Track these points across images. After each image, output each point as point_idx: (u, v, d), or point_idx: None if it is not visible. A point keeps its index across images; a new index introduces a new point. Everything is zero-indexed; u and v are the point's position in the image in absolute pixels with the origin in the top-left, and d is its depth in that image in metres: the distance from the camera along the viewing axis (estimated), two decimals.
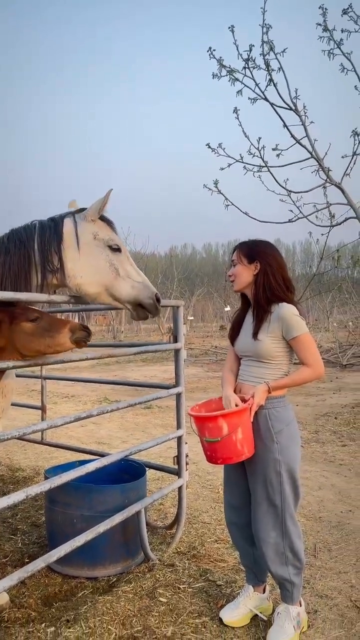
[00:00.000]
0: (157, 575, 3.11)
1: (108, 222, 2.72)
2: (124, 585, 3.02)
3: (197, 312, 39.13)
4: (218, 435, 2.45)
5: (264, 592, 2.84)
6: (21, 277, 2.55)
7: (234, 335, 2.83)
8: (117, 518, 2.95)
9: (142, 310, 2.68)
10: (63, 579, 3.22)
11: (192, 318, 32.73)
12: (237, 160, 6.99)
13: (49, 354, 2.41)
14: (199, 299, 37.07)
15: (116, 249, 2.64)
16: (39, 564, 2.44)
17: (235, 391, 2.73)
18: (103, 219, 2.71)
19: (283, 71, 6.74)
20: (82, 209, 2.74)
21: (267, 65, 6.73)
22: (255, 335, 2.61)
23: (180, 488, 3.60)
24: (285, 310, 2.56)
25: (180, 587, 3.01)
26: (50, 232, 2.59)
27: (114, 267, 2.61)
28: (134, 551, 3.35)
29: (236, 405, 2.57)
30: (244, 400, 2.58)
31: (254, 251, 2.69)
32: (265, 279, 2.62)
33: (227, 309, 25.42)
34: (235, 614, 2.71)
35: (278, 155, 6.99)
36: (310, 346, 2.55)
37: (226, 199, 6.99)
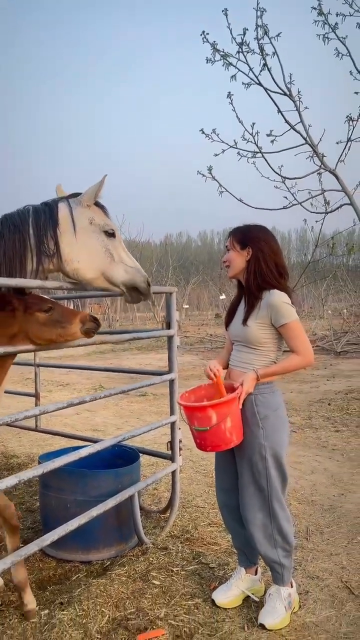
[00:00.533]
0: (151, 559, 3.14)
1: (102, 208, 2.71)
2: (117, 568, 3.04)
3: (193, 301, 39.09)
4: (207, 424, 2.46)
5: (255, 573, 2.88)
6: (16, 262, 2.54)
7: (228, 320, 2.84)
8: (111, 502, 2.97)
9: (137, 293, 2.69)
10: (57, 563, 3.25)
11: (187, 306, 32.71)
12: (231, 146, 6.94)
13: (59, 343, 2.51)
14: (194, 287, 37.00)
15: (111, 234, 2.64)
16: (32, 547, 2.46)
17: (226, 377, 2.75)
18: (97, 204, 2.70)
19: (277, 56, 6.67)
20: (75, 194, 2.72)
21: (262, 49, 6.67)
22: (244, 321, 2.61)
23: (173, 472, 3.63)
24: (275, 297, 2.55)
25: (174, 569, 3.04)
26: (45, 216, 2.58)
27: (109, 252, 2.61)
28: (128, 535, 3.38)
29: (215, 375, 2.63)
30: (233, 389, 2.59)
31: (247, 237, 2.68)
32: (257, 265, 2.62)
33: (223, 297, 25.36)
34: (227, 595, 2.75)
35: (272, 141, 6.95)
36: (300, 334, 2.54)
37: (220, 185, 6.95)
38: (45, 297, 2.53)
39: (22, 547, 2.47)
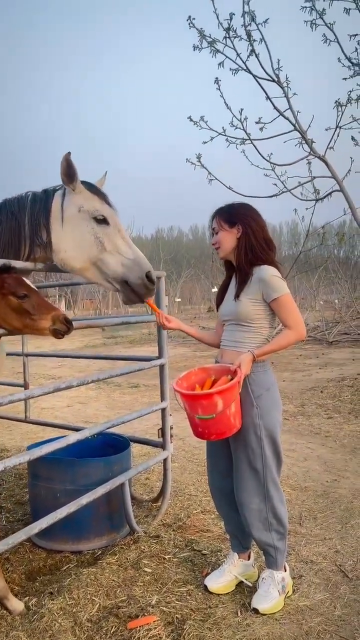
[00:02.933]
0: (142, 547, 3.09)
1: (97, 193, 2.57)
2: (108, 557, 2.99)
3: (185, 295, 39.00)
4: (212, 412, 2.38)
5: (249, 558, 2.84)
6: (11, 249, 2.48)
7: (219, 301, 2.80)
8: (101, 490, 2.92)
9: (131, 291, 2.51)
10: (47, 554, 3.20)
11: (179, 300, 32.64)
12: (219, 133, 6.87)
13: (25, 333, 2.43)
14: (186, 280, 36.94)
15: (102, 221, 2.49)
16: (19, 536, 2.41)
17: (218, 358, 2.73)
18: (92, 190, 2.56)
19: (265, 42, 6.61)
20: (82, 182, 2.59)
21: (249, 35, 6.59)
22: (236, 296, 2.57)
23: (165, 460, 3.58)
24: (265, 272, 2.52)
25: (166, 557, 2.99)
26: (40, 204, 2.51)
27: (99, 241, 2.46)
28: (119, 524, 3.33)
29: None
30: (227, 371, 2.54)
31: (233, 215, 2.64)
32: (247, 241, 2.59)
33: (214, 290, 25.36)
34: (220, 581, 2.71)
35: (261, 129, 6.89)
36: (291, 307, 2.50)
37: (209, 173, 6.89)
38: (27, 282, 2.42)
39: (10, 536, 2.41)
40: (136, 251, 2.53)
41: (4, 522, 3.63)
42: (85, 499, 2.79)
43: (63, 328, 2.34)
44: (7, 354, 5.10)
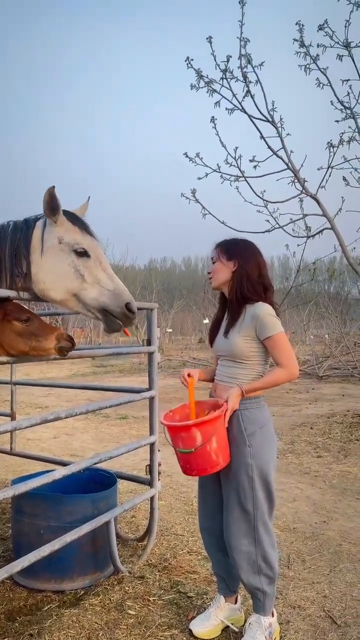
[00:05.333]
0: (126, 588, 3.01)
1: (78, 224, 2.56)
2: (91, 598, 2.91)
3: (176, 325, 38.99)
4: (192, 445, 2.36)
5: (235, 602, 2.77)
6: None
7: (213, 336, 2.77)
8: (85, 528, 2.85)
9: (113, 319, 2.50)
10: (29, 593, 3.10)
11: (170, 330, 32.59)
12: (214, 170, 7.04)
13: (31, 356, 2.47)
14: (178, 311, 36.98)
15: (82, 254, 2.47)
16: (1, 574, 2.33)
17: (211, 392, 2.72)
18: (74, 220, 2.55)
19: (260, 84, 6.83)
20: (64, 211, 2.60)
21: (245, 77, 6.82)
22: (226, 333, 2.56)
23: (152, 498, 3.51)
24: (260, 309, 2.51)
25: (150, 599, 2.91)
26: (21, 234, 2.49)
27: (79, 273, 2.45)
28: (103, 563, 3.24)
29: (186, 379, 2.64)
30: (217, 405, 2.52)
31: (233, 249, 2.65)
32: (241, 277, 2.58)
33: (206, 321, 25.38)
34: (205, 625, 2.63)
35: (255, 167, 7.06)
36: (285, 346, 2.48)
37: (203, 207, 7.01)
38: (25, 307, 2.47)
39: None
40: (117, 282, 2.51)
41: None
42: (69, 537, 2.72)
43: (68, 345, 2.44)
44: None
